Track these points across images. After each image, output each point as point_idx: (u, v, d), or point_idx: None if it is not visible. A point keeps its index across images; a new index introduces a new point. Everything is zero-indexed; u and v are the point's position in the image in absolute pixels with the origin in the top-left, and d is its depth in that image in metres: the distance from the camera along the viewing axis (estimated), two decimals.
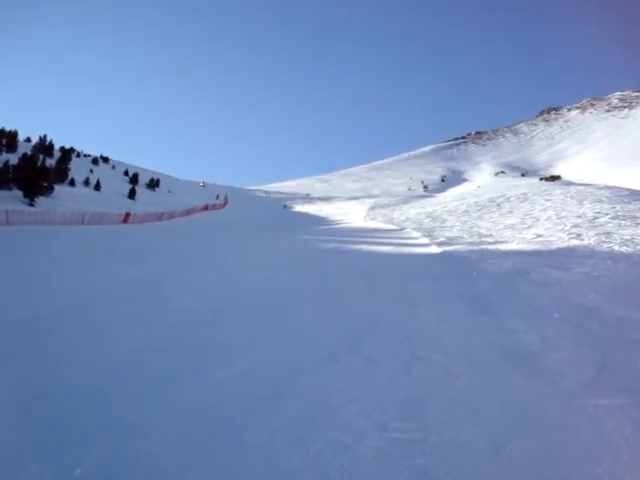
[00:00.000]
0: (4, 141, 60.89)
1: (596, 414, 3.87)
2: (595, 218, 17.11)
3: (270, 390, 4.80)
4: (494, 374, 4.88)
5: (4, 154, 53.83)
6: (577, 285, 8.36)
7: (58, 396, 4.72)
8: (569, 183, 71.26)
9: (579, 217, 18.01)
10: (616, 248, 11.32)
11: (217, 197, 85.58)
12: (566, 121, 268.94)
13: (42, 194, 42.50)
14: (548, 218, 19.40)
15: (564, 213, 20.08)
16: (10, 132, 66.43)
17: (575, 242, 12.89)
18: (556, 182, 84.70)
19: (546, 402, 4.14)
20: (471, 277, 9.99)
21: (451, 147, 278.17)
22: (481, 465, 3.34)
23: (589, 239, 12.95)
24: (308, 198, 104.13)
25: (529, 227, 17.75)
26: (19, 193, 40.42)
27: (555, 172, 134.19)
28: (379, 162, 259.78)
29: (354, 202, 79.64)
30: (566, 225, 16.34)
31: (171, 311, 8.55)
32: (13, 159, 47.85)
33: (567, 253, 11.42)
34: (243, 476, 3.37)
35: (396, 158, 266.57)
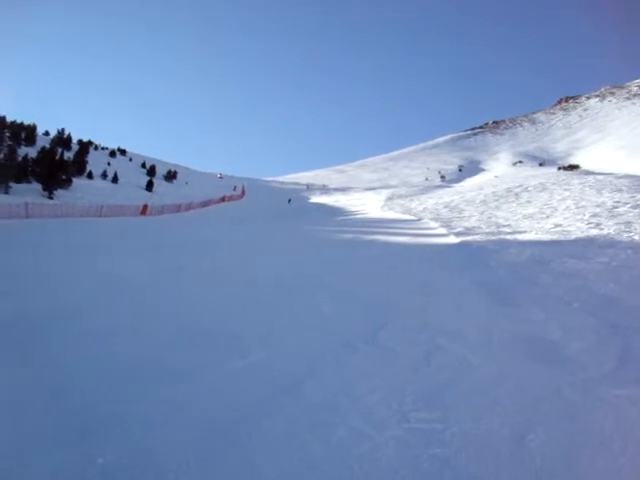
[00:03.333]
0: (23, 134, 61.45)
1: (618, 404, 3.86)
2: (614, 207, 16.96)
3: (289, 380, 4.82)
4: (514, 364, 4.86)
5: (23, 147, 54.33)
6: (597, 275, 8.29)
7: (79, 387, 4.78)
8: (588, 172, 70.73)
9: (598, 206, 17.86)
10: (636, 238, 11.22)
11: (234, 188, 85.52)
12: (585, 109, 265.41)
13: (61, 187, 42.87)
14: (567, 208, 19.26)
15: (583, 203, 19.92)
16: (29, 126, 67.03)
17: (594, 232, 12.79)
18: (575, 171, 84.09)
19: (567, 392, 4.13)
20: (490, 267, 9.94)
21: (468, 137, 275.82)
22: (502, 455, 3.34)
23: (609, 229, 12.85)
24: (325, 189, 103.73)
25: (547, 217, 17.62)
26: (38, 186, 40.79)
27: (574, 161, 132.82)
28: (396, 152, 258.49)
29: (371, 193, 79.22)
30: (585, 215, 16.22)
31: (187, 302, 8.62)
32: (32, 152, 48.28)
33: (586, 243, 11.33)
34: (263, 465, 3.39)
35: (413, 148, 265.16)
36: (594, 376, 4.38)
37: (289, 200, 63.54)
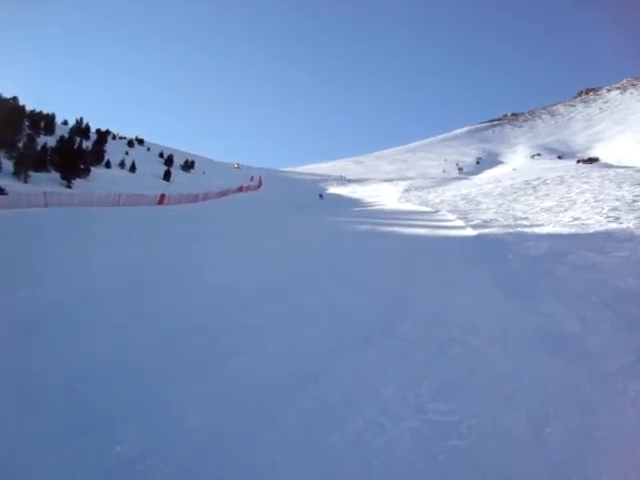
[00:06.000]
0: (42, 124, 61.88)
1: (637, 398, 3.81)
2: (634, 201, 16.75)
3: (305, 372, 4.84)
4: (532, 357, 4.83)
5: (42, 137, 54.67)
6: (616, 269, 8.19)
7: (97, 376, 4.84)
8: (608, 165, 69.93)
9: (617, 200, 17.66)
10: None
11: (251, 179, 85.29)
12: (605, 102, 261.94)
13: (79, 176, 43.14)
14: (585, 201, 19.06)
15: (602, 196, 19.70)
16: (48, 115, 67.50)
17: (613, 225, 12.65)
18: (594, 164, 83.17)
19: (586, 386, 4.09)
20: (507, 260, 9.88)
21: (486, 129, 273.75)
22: (519, 448, 3.33)
23: (628, 222, 12.70)
24: (342, 180, 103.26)
25: (566, 210, 17.45)
26: (57, 175, 41.09)
27: (593, 154, 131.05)
28: (414, 144, 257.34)
29: (388, 184, 78.67)
30: (604, 208, 16.02)
31: (202, 294, 8.66)
32: (51, 142, 48.64)
33: (605, 237, 11.20)
34: (280, 456, 3.42)
35: (431, 140, 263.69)
36: (612, 370, 4.34)
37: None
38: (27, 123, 54.37)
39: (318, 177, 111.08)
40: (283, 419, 3.93)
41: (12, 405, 4.29)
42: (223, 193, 54.50)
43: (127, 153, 73.38)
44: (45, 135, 58.18)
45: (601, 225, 12.98)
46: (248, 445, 3.57)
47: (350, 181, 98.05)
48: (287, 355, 5.41)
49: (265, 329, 6.37)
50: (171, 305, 7.85)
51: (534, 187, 29.39)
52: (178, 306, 7.78)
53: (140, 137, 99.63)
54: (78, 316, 7.09)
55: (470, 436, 3.48)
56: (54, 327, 6.58)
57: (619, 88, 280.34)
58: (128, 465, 3.36)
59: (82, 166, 44.50)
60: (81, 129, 71.86)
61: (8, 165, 37.41)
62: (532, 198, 24.04)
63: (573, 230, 12.80)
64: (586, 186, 24.71)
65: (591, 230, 12.41)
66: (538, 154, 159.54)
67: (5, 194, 26.56)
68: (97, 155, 57.36)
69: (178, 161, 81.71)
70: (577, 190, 23.62)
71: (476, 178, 77.37)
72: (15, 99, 54.37)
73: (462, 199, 30.36)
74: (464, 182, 61.63)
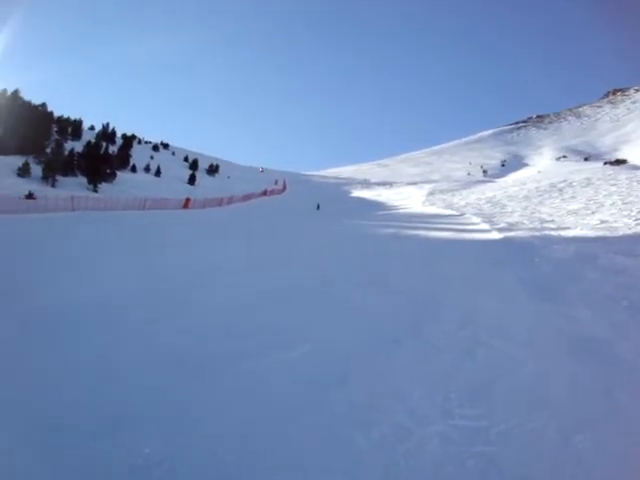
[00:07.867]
0: (69, 129, 62.73)
1: None
2: None
3: (332, 374, 4.83)
4: (560, 362, 4.76)
5: (70, 142, 55.42)
6: None
7: (118, 378, 4.87)
8: (636, 167, 68.90)
9: None
10: None
11: (276, 182, 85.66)
12: (633, 102, 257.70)
13: (105, 180, 43.63)
14: (613, 204, 18.83)
15: (630, 198, 19.44)
16: (75, 121, 68.41)
17: None
18: (622, 166, 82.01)
19: (617, 392, 4.02)
20: (534, 263, 9.77)
21: (511, 131, 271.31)
22: (549, 455, 3.28)
23: None
24: (366, 183, 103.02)
25: (593, 213, 17.25)
26: (84, 179, 41.57)
27: (621, 156, 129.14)
28: (438, 147, 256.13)
29: (413, 187, 78.29)
30: (632, 211, 15.82)
31: (228, 296, 8.72)
32: (78, 147, 49.28)
33: (634, 240, 11.04)
34: (307, 460, 3.41)
35: (455, 143, 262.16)
36: None
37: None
38: (55, 129, 55.27)
39: (342, 180, 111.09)
40: (310, 423, 3.91)
41: (28, 406, 4.33)
42: (248, 197, 54.72)
43: (152, 157, 74.00)
44: (72, 140, 58.95)
45: (630, 228, 12.79)
46: (276, 448, 3.56)
47: (374, 184, 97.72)
48: (315, 357, 5.40)
49: (292, 330, 6.39)
50: (196, 306, 7.89)
51: (560, 190, 29.10)
52: (204, 307, 7.81)
53: (165, 142, 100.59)
54: (103, 316, 7.16)
55: (499, 442, 3.44)
56: (69, 328, 6.62)
57: None
58: (146, 469, 3.36)
59: (108, 170, 45.01)
60: (107, 134, 72.75)
61: (37, 170, 37.94)
62: (558, 201, 23.81)
63: (600, 233, 12.62)
64: (614, 188, 24.41)
65: (619, 233, 12.23)
66: (564, 156, 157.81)
67: (34, 198, 27.04)
68: (123, 160, 57.99)
69: (203, 165, 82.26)
70: (604, 192, 23.35)
71: (501, 181, 76.78)
72: (44, 105, 55.22)
73: (487, 202, 30.15)
74: (489, 185, 61.19)
